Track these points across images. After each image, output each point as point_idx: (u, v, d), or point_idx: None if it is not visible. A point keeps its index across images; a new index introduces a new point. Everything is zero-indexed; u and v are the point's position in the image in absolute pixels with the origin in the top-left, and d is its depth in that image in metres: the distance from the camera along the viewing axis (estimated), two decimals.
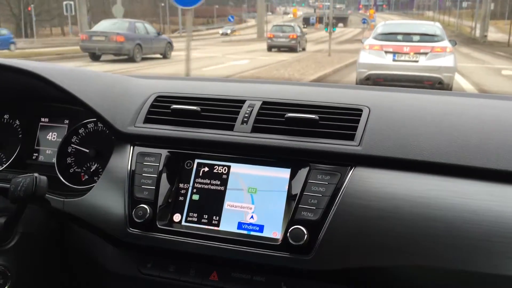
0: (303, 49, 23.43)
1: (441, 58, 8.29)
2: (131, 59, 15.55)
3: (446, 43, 8.64)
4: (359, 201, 0.99)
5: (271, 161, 1.10)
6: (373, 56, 8.60)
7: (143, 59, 16.22)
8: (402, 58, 8.44)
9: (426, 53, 8.34)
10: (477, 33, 37.70)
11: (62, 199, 1.19)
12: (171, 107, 1.22)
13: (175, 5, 7.33)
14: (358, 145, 1.06)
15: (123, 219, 1.10)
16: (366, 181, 1.02)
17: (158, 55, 17.18)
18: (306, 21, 68.15)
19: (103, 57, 16.19)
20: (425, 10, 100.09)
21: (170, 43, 18.07)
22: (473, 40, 34.79)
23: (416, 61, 8.35)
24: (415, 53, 8.37)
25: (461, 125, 1.09)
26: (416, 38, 8.83)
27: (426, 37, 8.83)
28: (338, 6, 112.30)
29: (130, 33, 15.70)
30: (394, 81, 8.17)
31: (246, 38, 38.22)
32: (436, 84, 8.11)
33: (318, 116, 1.12)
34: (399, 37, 8.89)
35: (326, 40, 24.45)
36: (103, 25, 16.92)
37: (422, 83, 8.17)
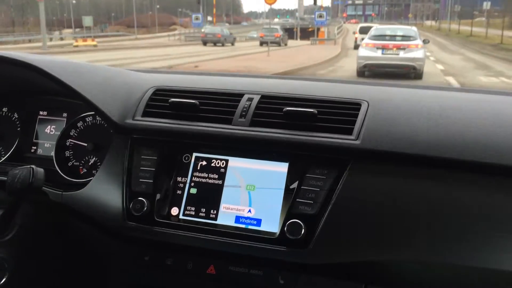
0: (285, 44, 32.46)
1: (414, 52, 11.56)
2: (222, 45, 30.58)
3: (418, 42, 11.92)
4: (356, 195, 0.96)
5: (269, 155, 1.06)
6: (368, 51, 11.98)
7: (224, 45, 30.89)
8: (388, 52, 11.77)
9: (404, 48, 11.60)
10: None
11: (60, 192, 1.15)
12: (169, 100, 1.17)
13: None
14: (356, 139, 1.02)
15: (121, 212, 1.07)
16: (364, 175, 0.98)
17: (229, 44, 32.14)
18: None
19: (208, 44, 30.60)
20: (424, 20, 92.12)
21: (235, 38, 34.68)
22: None
23: (397, 54, 11.62)
24: (397, 49, 11.63)
25: (458, 119, 1.05)
26: (398, 38, 12.20)
27: (405, 37, 12.14)
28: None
29: (221, 32, 32.27)
30: (382, 68, 11.63)
31: None
32: (411, 69, 11.47)
33: (317, 110, 1.08)
34: (386, 37, 12.30)
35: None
36: (209, 29, 34.06)
37: (401, 69, 11.56)
